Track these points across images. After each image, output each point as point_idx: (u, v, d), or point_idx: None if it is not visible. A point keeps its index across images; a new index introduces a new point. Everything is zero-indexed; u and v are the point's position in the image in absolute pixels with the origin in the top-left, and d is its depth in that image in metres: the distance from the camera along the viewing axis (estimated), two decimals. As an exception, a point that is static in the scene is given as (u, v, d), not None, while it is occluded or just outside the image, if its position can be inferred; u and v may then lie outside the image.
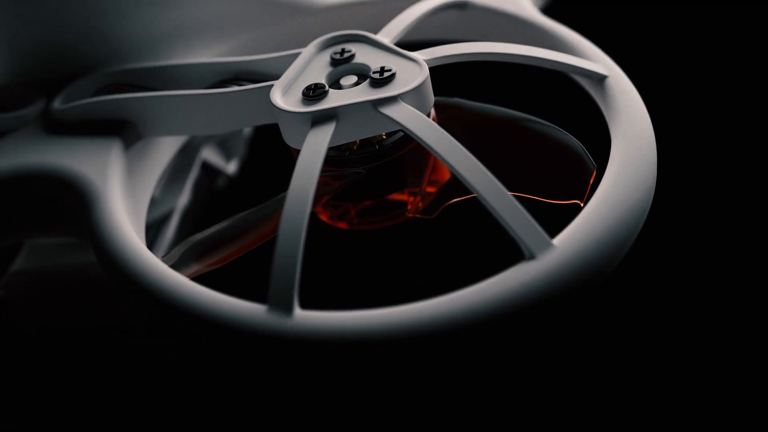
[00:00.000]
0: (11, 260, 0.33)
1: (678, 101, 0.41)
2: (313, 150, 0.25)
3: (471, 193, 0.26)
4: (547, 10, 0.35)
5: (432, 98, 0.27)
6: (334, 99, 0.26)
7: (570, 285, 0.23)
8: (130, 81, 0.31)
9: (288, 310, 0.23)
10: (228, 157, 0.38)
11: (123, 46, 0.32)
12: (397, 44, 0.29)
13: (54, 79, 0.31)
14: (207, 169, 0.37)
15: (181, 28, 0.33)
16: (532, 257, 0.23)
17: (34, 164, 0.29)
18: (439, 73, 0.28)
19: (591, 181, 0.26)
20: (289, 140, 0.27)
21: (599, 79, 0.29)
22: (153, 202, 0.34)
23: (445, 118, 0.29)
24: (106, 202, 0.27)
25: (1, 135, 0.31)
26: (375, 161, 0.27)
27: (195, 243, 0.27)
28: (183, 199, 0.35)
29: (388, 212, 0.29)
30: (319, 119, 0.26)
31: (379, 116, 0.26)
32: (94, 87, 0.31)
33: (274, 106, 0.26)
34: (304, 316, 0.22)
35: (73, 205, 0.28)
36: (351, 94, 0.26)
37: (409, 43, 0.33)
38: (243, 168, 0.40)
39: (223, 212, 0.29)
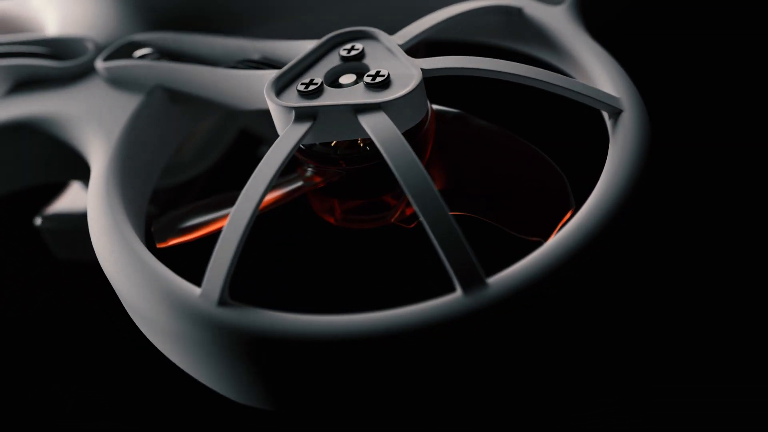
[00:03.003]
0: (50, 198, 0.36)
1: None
2: (282, 145, 0.25)
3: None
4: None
5: (423, 108, 0.26)
6: (323, 97, 0.26)
7: (489, 327, 0.22)
8: (167, 48, 0.32)
9: (214, 299, 0.23)
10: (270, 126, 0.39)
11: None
12: (429, 42, 0.28)
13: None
14: (246, 136, 0.38)
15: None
16: (460, 292, 0.22)
17: (57, 113, 0.31)
18: (456, 79, 0.28)
19: (562, 222, 0.25)
20: (278, 131, 0.27)
21: (613, 113, 0.27)
22: (181, 166, 0.36)
23: (446, 129, 0.28)
24: (100, 170, 0.28)
25: (54, 80, 0.33)
26: (359, 163, 0.27)
27: (175, 216, 0.28)
28: (210, 163, 0.36)
29: (371, 214, 0.29)
30: (301, 115, 0.26)
31: (355, 121, 0.25)
32: (133, 50, 0.32)
33: (265, 95, 0.27)
34: (227, 308, 0.23)
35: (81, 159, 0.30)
36: (341, 94, 0.26)
37: (449, 42, 0.33)
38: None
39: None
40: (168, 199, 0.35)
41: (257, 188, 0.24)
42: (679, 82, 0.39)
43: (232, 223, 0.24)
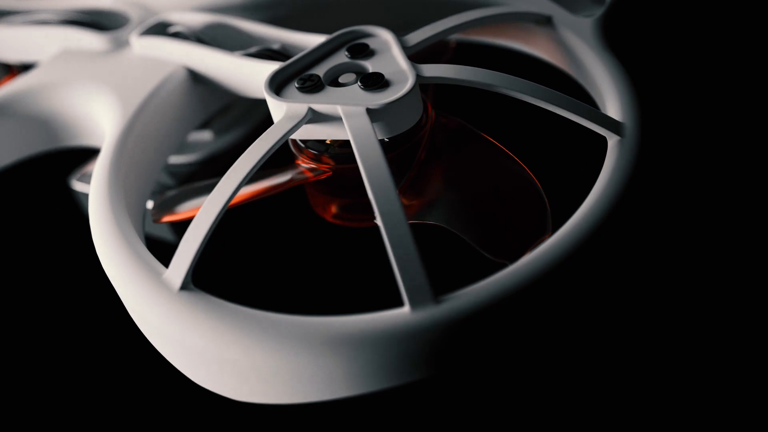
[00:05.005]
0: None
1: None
2: (266, 140, 0.25)
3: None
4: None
5: (414, 114, 0.26)
6: (318, 95, 0.26)
7: (433, 347, 0.22)
8: (197, 29, 0.33)
9: (177, 283, 0.24)
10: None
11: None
12: (460, 44, 0.28)
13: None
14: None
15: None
16: (408, 308, 0.22)
17: (85, 79, 0.32)
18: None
19: (533, 247, 0.24)
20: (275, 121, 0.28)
21: (612, 139, 0.26)
22: (203, 143, 0.37)
23: (443, 139, 0.28)
24: (111, 141, 0.29)
25: (93, 49, 0.34)
26: (350, 162, 0.27)
27: (172, 195, 0.29)
28: (235, 141, 0.37)
29: (360, 213, 0.28)
30: (292, 111, 0.26)
31: (341, 123, 0.25)
32: (167, 27, 0.33)
33: (263, 87, 0.27)
34: (186, 293, 0.24)
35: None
36: (335, 93, 0.26)
37: (479, 45, 0.32)
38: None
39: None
40: (190, 173, 0.36)
41: (232, 180, 0.25)
42: (706, 96, 0.37)
43: (203, 213, 0.24)
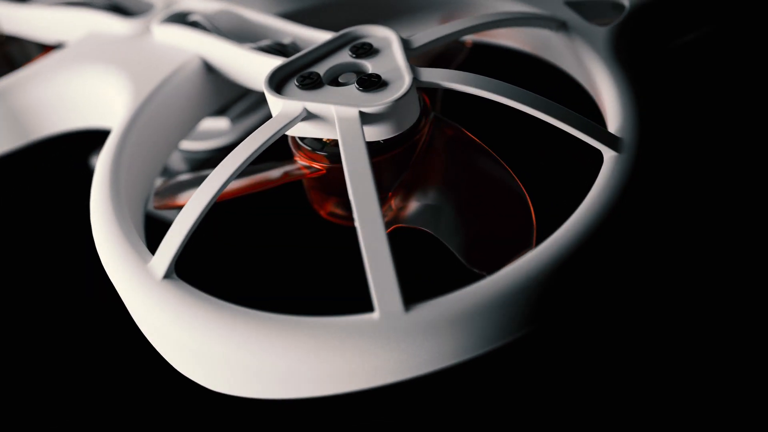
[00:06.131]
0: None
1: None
2: (259, 135, 0.26)
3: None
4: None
5: (408, 118, 0.26)
6: (315, 94, 0.26)
7: (397, 353, 0.22)
8: (215, 19, 0.33)
9: (160, 272, 0.24)
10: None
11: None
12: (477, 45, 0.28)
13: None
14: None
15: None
16: (378, 314, 0.22)
17: (106, 63, 0.33)
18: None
19: (512, 260, 0.24)
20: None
21: (607, 153, 0.26)
22: (219, 131, 0.37)
23: (440, 144, 0.28)
24: (120, 124, 0.30)
25: (116, 34, 0.35)
26: (339, 161, 0.27)
27: (174, 183, 0.29)
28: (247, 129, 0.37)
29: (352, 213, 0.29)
30: (288, 109, 0.26)
31: (333, 123, 0.25)
32: (184, 17, 0.34)
33: (263, 83, 0.27)
34: (168, 282, 0.24)
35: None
36: (333, 93, 0.26)
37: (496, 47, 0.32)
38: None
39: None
40: (205, 159, 0.37)
41: (221, 175, 0.25)
42: (717, 116, 0.36)
43: (190, 205, 0.25)
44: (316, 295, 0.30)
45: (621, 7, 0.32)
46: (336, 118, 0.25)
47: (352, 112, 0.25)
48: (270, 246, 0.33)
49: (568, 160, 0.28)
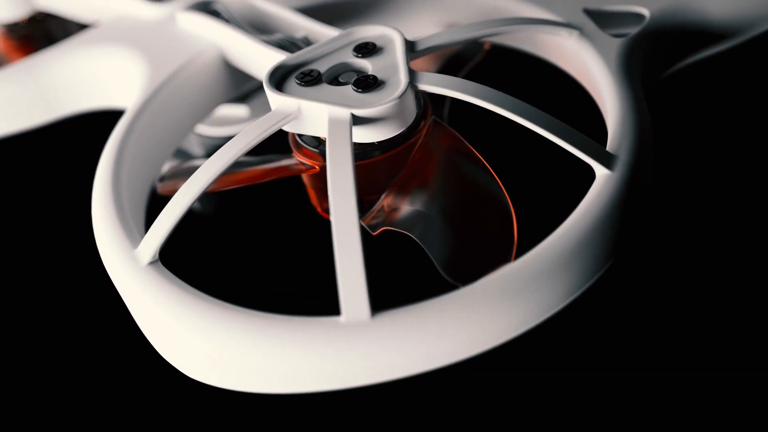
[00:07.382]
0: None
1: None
2: (253, 130, 0.26)
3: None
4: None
5: (403, 122, 0.26)
6: (313, 92, 0.27)
7: (358, 359, 0.22)
8: (234, 10, 0.34)
9: (146, 258, 0.25)
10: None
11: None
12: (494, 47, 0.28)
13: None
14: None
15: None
16: (343, 318, 0.22)
17: (126, 49, 0.34)
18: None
19: (488, 274, 0.24)
20: None
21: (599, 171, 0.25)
22: (236, 120, 0.38)
23: (437, 150, 0.27)
24: (132, 109, 0.30)
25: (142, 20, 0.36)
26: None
27: (178, 170, 0.30)
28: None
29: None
30: (284, 105, 0.26)
31: (325, 123, 0.26)
32: (207, 5, 0.34)
33: (264, 78, 0.27)
34: (151, 268, 0.25)
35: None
36: (330, 91, 0.26)
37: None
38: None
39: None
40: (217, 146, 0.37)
41: (213, 167, 0.25)
42: (723, 140, 0.35)
43: (179, 194, 0.25)
44: (305, 293, 0.30)
45: (641, 18, 0.31)
46: (328, 118, 0.25)
47: (344, 114, 0.25)
48: (270, 242, 0.34)
49: (565, 173, 0.28)
